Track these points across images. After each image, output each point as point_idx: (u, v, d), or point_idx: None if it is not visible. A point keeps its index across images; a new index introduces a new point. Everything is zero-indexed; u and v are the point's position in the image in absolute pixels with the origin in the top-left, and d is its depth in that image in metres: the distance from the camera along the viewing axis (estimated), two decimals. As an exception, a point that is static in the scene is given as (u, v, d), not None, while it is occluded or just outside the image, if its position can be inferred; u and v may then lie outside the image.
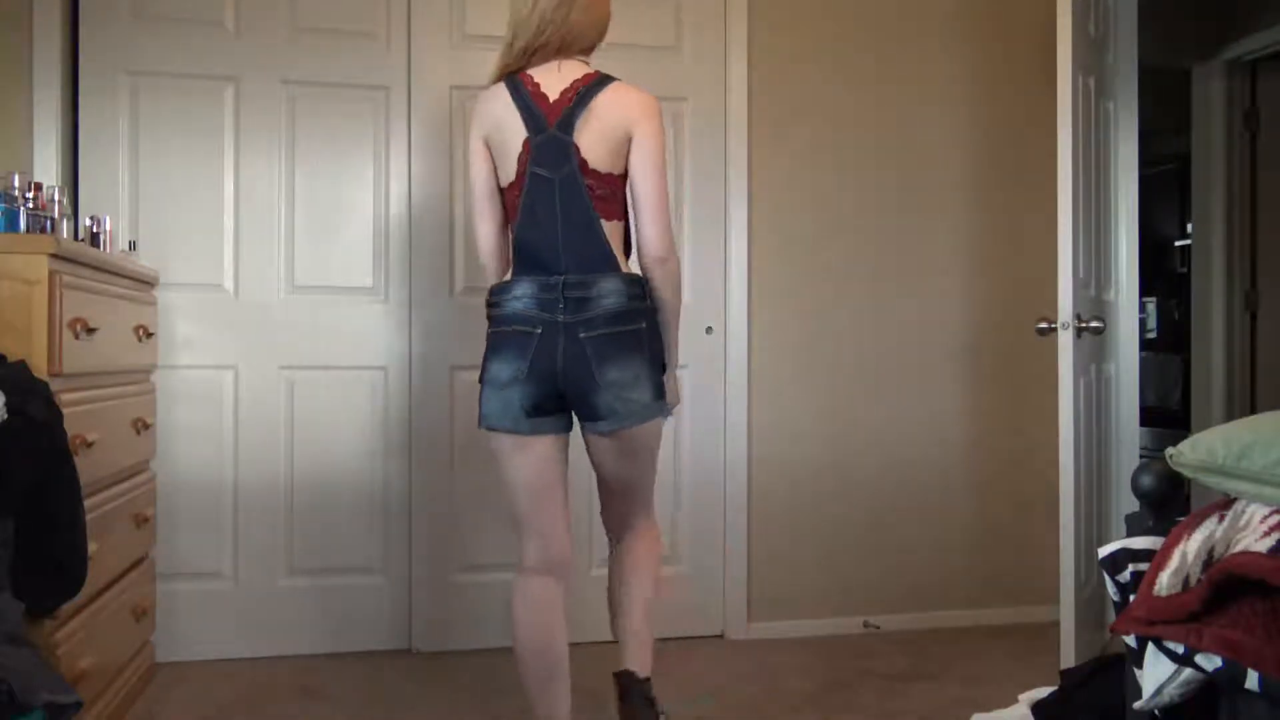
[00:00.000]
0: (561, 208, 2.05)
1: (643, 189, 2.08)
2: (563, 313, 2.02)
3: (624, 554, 2.26)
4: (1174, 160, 5.14)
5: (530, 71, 2.12)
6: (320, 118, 3.13)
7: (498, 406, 2.06)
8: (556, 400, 2.07)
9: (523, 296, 2.05)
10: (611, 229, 2.09)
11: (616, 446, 2.12)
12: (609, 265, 2.06)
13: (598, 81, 2.10)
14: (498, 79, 2.17)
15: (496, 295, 2.13)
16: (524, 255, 2.08)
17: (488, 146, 2.14)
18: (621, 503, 2.24)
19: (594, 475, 2.26)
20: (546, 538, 2.13)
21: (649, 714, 2.09)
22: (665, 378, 2.13)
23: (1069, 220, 2.80)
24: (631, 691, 2.11)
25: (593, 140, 2.06)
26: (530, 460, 2.09)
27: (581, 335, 2.01)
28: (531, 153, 2.06)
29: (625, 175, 2.11)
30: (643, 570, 2.24)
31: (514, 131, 2.08)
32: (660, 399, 2.09)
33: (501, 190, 2.16)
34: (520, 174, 2.07)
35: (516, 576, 2.15)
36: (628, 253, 2.16)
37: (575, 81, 2.09)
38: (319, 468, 3.11)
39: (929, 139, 3.52)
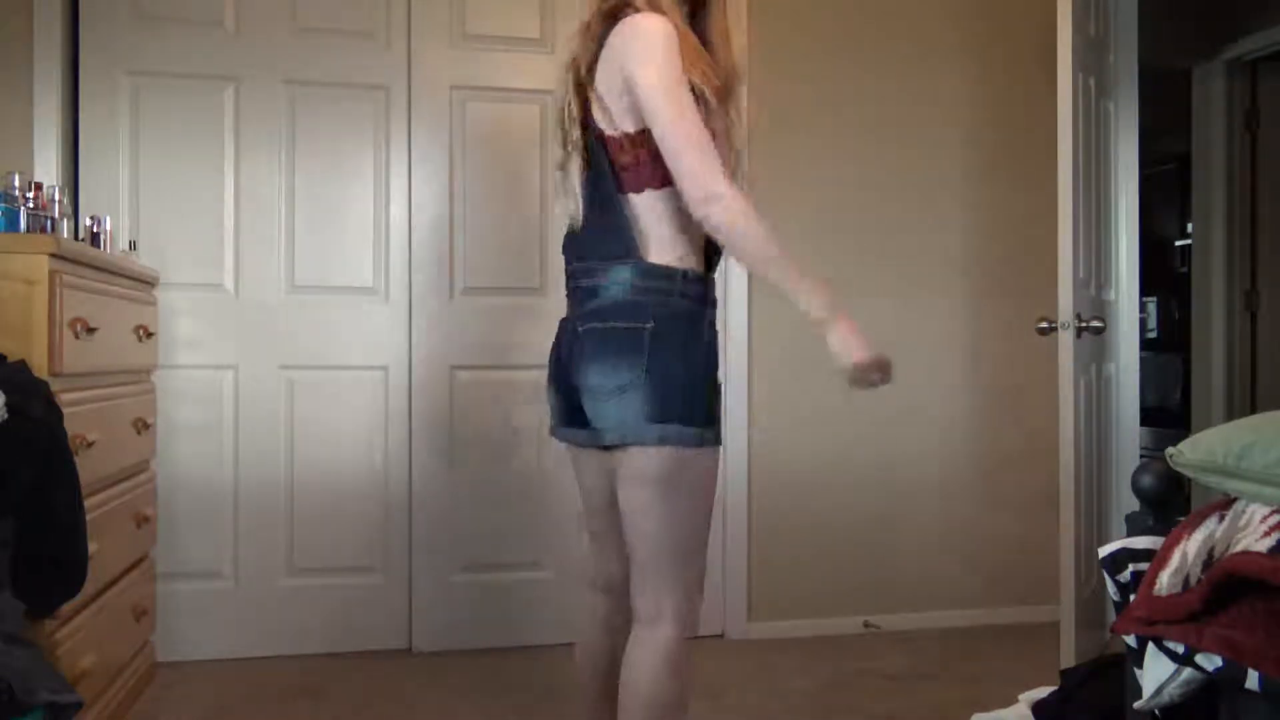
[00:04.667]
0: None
1: (657, 135, 1.63)
2: (573, 305, 1.77)
3: (624, 659, 1.72)
4: (1174, 160, 5.14)
5: None
6: (320, 118, 3.13)
7: (550, 406, 1.85)
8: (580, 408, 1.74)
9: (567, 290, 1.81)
10: (644, 201, 1.70)
11: (610, 470, 1.74)
12: (627, 250, 1.69)
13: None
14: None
15: None
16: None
17: None
18: (630, 562, 1.73)
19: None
20: (598, 558, 1.89)
21: None
22: (833, 333, 1.62)
23: (1069, 220, 2.80)
24: None
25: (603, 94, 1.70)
26: (579, 473, 1.88)
27: (580, 329, 1.71)
28: None
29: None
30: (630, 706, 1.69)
31: None
32: (663, 423, 1.64)
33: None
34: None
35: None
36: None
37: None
38: (319, 468, 3.11)
39: (929, 138, 3.52)
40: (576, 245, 1.77)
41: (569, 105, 1.74)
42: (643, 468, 1.67)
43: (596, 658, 1.87)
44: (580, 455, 1.84)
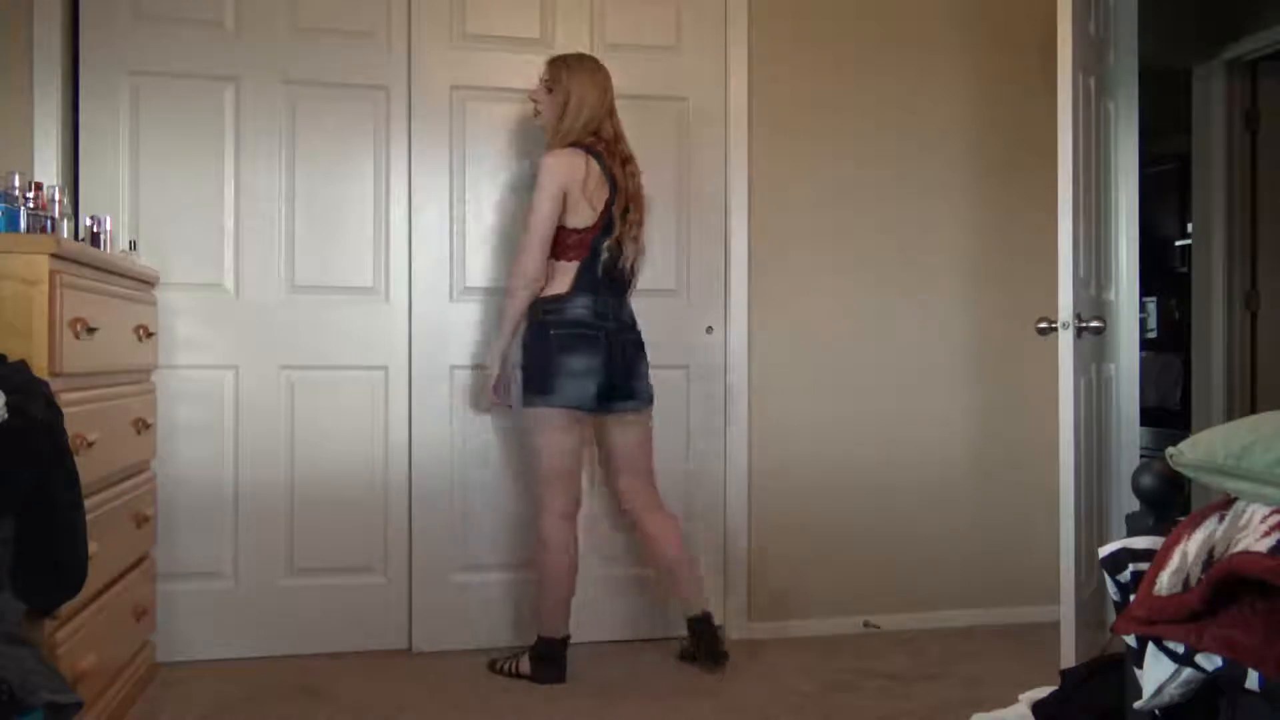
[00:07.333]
0: None
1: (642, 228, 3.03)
2: (613, 321, 2.84)
3: (662, 532, 2.96)
4: (1174, 160, 5.14)
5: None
6: (320, 118, 3.13)
7: (578, 391, 2.76)
8: (611, 387, 2.83)
9: (584, 307, 2.80)
10: None
11: (643, 424, 2.96)
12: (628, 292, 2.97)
13: None
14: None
15: (557, 304, 2.80)
16: (590, 277, 2.83)
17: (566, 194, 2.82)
18: (645, 479, 2.98)
19: (609, 465, 3.02)
20: (577, 492, 2.90)
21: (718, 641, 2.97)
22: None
23: (1069, 220, 2.80)
24: (711, 628, 2.97)
25: None
26: (573, 437, 2.84)
27: (629, 339, 2.89)
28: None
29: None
30: (681, 544, 3.00)
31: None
32: None
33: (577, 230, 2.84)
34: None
35: (553, 519, 2.84)
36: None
37: None
38: (319, 468, 3.11)
39: (930, 138, 3.52)
40: (622, 287, 2.92)
41: (637, 198, 2.93)
42: (651, 415, 3.01)
43: (575, 570, 2.89)
44: (585, 421, 2.88)
